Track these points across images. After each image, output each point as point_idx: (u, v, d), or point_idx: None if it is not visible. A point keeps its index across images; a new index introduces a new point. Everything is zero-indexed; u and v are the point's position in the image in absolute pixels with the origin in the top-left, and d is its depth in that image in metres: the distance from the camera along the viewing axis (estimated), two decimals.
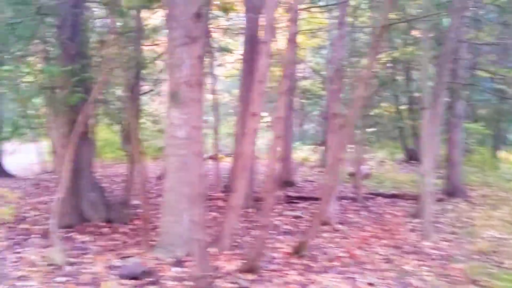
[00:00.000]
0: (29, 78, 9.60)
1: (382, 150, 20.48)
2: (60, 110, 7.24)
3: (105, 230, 7.42)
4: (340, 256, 6.18)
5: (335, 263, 5.87)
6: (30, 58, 9.02)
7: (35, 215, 8.09)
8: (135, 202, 9.22)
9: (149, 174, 12.16)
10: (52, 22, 7.46)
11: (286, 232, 7.55)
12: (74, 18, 7.42)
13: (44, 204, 9.09)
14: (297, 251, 6.04)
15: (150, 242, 6.37)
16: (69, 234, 7.04)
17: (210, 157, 14.99)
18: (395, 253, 6.50)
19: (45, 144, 15.71)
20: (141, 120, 16.86)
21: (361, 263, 5.94)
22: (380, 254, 6.38)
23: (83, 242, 6.71)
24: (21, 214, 8.05)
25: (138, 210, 8.72)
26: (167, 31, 6.23)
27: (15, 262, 5.57)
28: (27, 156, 16.10)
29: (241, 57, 11.65)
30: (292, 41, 4.91)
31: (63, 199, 6.54)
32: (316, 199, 10.10)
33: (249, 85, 9.37)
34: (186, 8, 5.84)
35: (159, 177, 13.12)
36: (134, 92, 7.89)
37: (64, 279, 5.01)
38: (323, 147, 15.75)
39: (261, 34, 10.03)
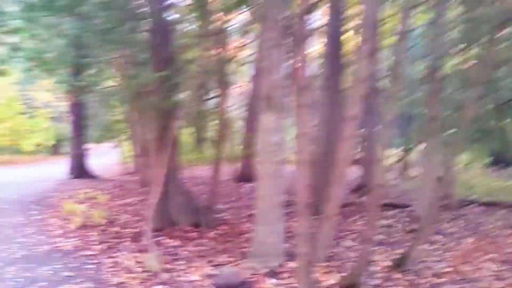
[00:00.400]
0: (114, 83, 9.87)
1: (465, 153, 19.27)
2: (151, 115, 7.25)
3: (193, 234, 7.36)
4: (446, 272, 5.68)
5: (443, 279, 5.38)
6: (117, 63, 9.24)
7: (124, 218, 8.20)
8: (218, 206, 9.19)
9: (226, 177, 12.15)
10: (143, 27, 7.52)
11: (380, 243, 7.11)
12: (165, 22, 7.44)
13: (130, 206, 9.25)
14: (399, 265, 5.61)
15: (242, 250, 6.22)
16: (158, 238, 7.03)
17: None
18: (508, 269, 5.89)
19: (124, 146, 16.20)
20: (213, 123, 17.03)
21: (472, 281, 5.41)
22: (491, 271, 5.80)
23: (173, 246, 6.68)
24: (110, 216, 8.18)
25: (222, 214, 8.65)
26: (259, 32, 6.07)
27: (112, 267, 5.59)
28: (106, 157, 16.68)
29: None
30: (403, 39, 4.53)
31: (152, 204, 6.53)
32: (405, 206, 9.58)
33: (335, 86, 9.07)
34: (283, 8, 5.65)
35: (237, 180, 13.07)
36: (222, 95, 7.83)
37: (162, 287, 4.94)
38: (404, 150, 15.07)
39: (346, 32, 9.74)
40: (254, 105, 13.03)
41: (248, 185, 11.95)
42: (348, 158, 5.90)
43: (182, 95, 8.01)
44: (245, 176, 12.90)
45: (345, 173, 6.01)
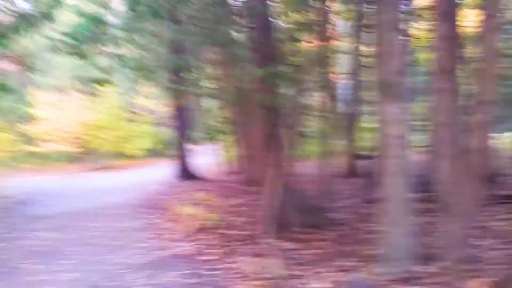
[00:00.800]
0: (216, 84, 9.88)
1: None
2: (257, 114, 7.09)
3: (309, 236, 7.02)
4: None
5: None
6: (219, 64, 9.24)
7: (238, 220, 8.10)
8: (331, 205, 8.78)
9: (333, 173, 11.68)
10: (244, 25, 7.38)
11: None
12: (265, 18, 7.23)
13: (241, 207, 9.14)
14: None
15: (367, 253, 5.80)
16: (274, 241, 6.82)
17: None
18: None
19: (227, 146, 16.23)
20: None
21: None
22: None
23: (291, 250, 6.40)
24: (224, 218, 8.11)
25: (336, 214, 8.23)
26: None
27: (236, 273, 5.46)
28: (207, 158, 16.83)
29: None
30: None
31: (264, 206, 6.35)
32: None
33: (448, 67, 8.28)
34: None
35: (343, 176, 12.52)
36: (326, 88, 7.48)
37: None
38: None
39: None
40: (358, 96, 12.51)
41: (355, 181, 11.37)
42: (483, 147, 5.31)
43: (287, 91, 7.77)
44: (352, 172, 12.43)
45: (478, 165, 5.42)
